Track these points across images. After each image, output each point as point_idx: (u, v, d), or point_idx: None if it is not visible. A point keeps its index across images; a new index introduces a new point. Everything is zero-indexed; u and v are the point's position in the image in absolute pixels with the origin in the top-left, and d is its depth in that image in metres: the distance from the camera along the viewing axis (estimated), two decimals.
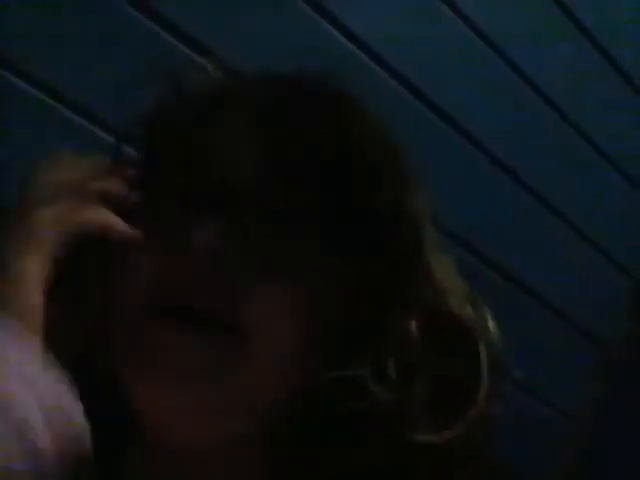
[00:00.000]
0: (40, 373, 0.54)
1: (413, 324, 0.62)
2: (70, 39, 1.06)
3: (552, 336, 1.71)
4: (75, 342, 0.63)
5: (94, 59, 1.08)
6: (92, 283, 0.63)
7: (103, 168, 0.65)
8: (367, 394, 0.60)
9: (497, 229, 1.59)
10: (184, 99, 0.67)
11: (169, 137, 0.65)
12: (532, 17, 1.59)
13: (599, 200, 1.76)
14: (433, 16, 1.45)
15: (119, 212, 0.63)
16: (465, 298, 0.67)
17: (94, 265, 0.63)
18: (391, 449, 0.61)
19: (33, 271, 0.57)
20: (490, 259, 1.59)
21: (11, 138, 1.01)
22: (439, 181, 0.68)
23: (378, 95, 0.66)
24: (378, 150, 0.64)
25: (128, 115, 0.68)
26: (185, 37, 1.15)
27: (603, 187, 1.77)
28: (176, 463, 0.64)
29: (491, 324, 0.67)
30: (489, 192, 1.58)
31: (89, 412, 0.62)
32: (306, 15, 1.27)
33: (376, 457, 0.61)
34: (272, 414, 0.63)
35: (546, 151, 1.66)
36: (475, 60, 1.52)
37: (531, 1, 1.60)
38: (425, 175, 0.68)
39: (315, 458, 0.62)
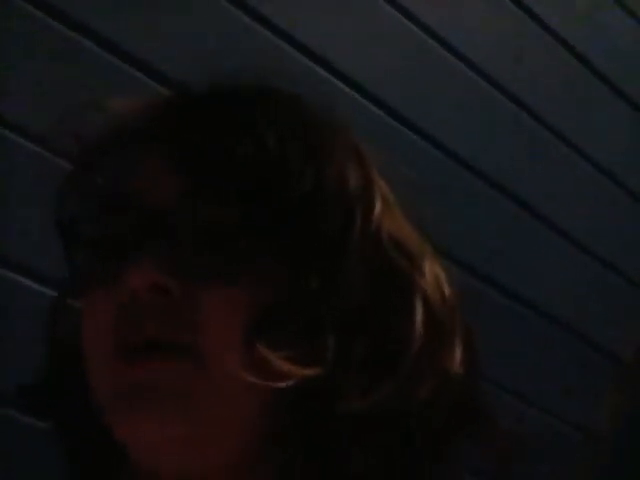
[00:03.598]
0: None
1: (356, 276, 0.62)
2: None
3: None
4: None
5: None
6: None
7: None
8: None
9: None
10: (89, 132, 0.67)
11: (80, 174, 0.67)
12: None
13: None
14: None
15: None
16: (418, 253, 0.66)
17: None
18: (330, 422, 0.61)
19: None
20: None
21: None
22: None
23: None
24: (294, 132, 0.64)
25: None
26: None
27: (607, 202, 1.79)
28: None
29: (444, 284, 0.66)
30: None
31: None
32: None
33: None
34: (258, 430, 0.63)
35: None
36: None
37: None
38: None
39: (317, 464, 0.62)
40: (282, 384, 0.59)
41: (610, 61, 1.80)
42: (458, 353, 0.64)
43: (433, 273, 0.65)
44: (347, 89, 1.45)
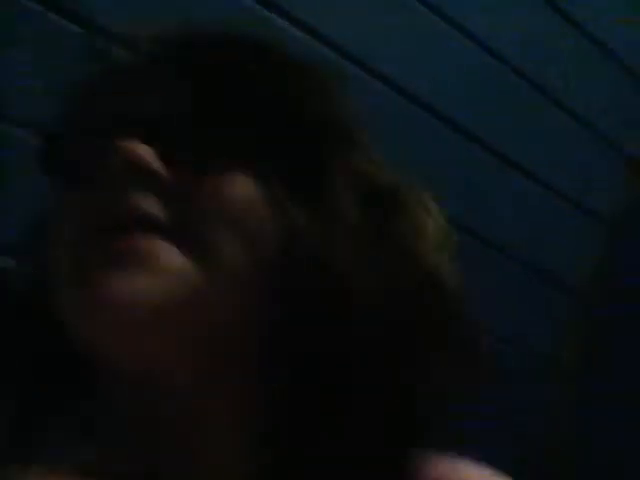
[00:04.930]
0: None
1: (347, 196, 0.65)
2: None
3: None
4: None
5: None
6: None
7: None
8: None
9: None
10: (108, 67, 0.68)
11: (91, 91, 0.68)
12: None
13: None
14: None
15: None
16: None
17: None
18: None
19: None
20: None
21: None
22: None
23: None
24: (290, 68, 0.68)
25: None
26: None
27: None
28: (143, 400, 0.63)
29: (432, 208, 0.68)
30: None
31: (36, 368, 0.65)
32: None
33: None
34: (241, 336, 0.62)
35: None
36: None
37: None
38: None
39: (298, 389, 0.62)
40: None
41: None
42: (438, 258, 0.66)
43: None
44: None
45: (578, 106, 1.83)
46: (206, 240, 0.60)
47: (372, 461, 0.62)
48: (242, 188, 0.62)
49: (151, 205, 0.61)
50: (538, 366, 1.77)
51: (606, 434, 1.78)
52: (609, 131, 1.89)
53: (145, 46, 0.66)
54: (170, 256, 0.59)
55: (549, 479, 1.74)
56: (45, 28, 1.15)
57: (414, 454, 0.64)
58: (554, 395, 1.80)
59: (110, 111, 0.64)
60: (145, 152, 0.61)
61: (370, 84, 1.50)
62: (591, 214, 1.88)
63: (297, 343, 0.61)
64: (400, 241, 0.65)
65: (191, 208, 0.61)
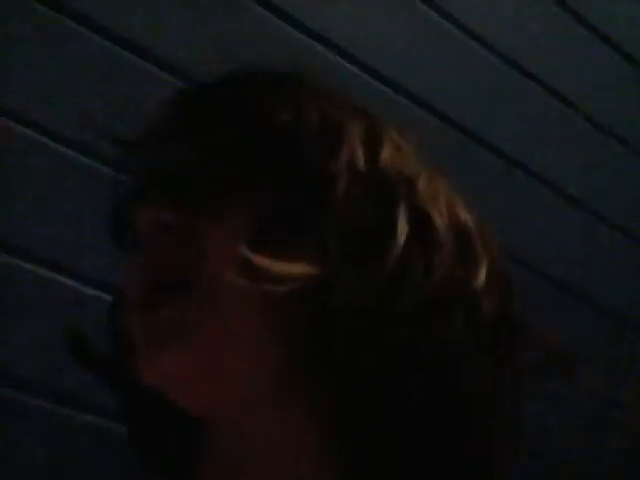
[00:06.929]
0: None
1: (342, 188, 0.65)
2: None
3: None
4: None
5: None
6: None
7: None
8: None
9: None
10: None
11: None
12: None
13: None
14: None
15: None
16: (414, 175, 0.69)
17: None
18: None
19: None
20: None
21: None
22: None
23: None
24: (275, 80, 0.70)
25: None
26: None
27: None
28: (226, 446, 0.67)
29: (447, 203, 0.69)
30: None
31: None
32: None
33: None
34: (269, 357, 0.65)
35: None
36: None
37: None
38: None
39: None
40: (284, 287, 0.62)
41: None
42: (476, 270, 0.66)
43: (433, 191, 0.68)
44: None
45: None
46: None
47: None
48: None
49: (175, 269, 0.65)
50: None
51: None
52: None
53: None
54: (192, 327, 0.63)
55: None
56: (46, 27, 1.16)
57: None
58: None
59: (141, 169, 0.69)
60: (159, 214, 0.66)
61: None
62: None
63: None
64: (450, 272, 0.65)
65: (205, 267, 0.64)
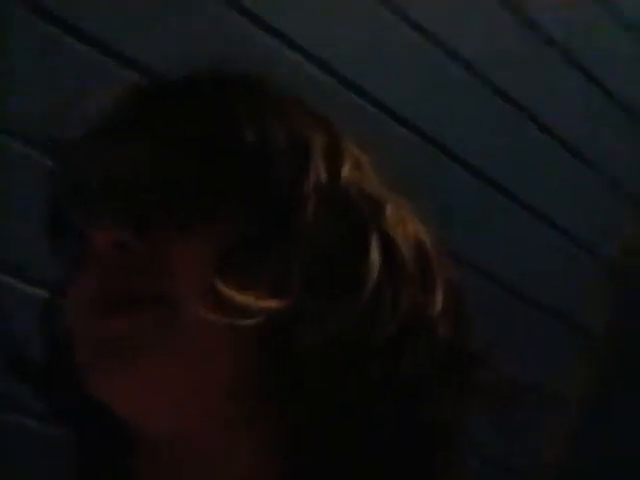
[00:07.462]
0: None
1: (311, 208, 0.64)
2: None
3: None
4: None
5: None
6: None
7: None
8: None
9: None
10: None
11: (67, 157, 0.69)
12: None
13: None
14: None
15: None
16: (381, 200, 0.68)
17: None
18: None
19: None
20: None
21: None
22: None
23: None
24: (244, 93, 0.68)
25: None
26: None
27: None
28: (172, 459, 0.65)
29: (413, 229, 0.68)
30: None
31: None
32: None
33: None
34: (236, 382, 0.63)
35: None
36: None
37: None
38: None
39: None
40: (249, 321, 0.60)
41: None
42: (434, 296, 0.65)
43: (399, 217, 0.67)
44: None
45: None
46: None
47: None
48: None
49: (136, 283, 0.62)
50: None
51: None
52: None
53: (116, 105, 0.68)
54: (146, 348, 0.61)
55: None
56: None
57: None
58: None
59: (87, 179, 0.66)
60: (119, 235, 0.63)
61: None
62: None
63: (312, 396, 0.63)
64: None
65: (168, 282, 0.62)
